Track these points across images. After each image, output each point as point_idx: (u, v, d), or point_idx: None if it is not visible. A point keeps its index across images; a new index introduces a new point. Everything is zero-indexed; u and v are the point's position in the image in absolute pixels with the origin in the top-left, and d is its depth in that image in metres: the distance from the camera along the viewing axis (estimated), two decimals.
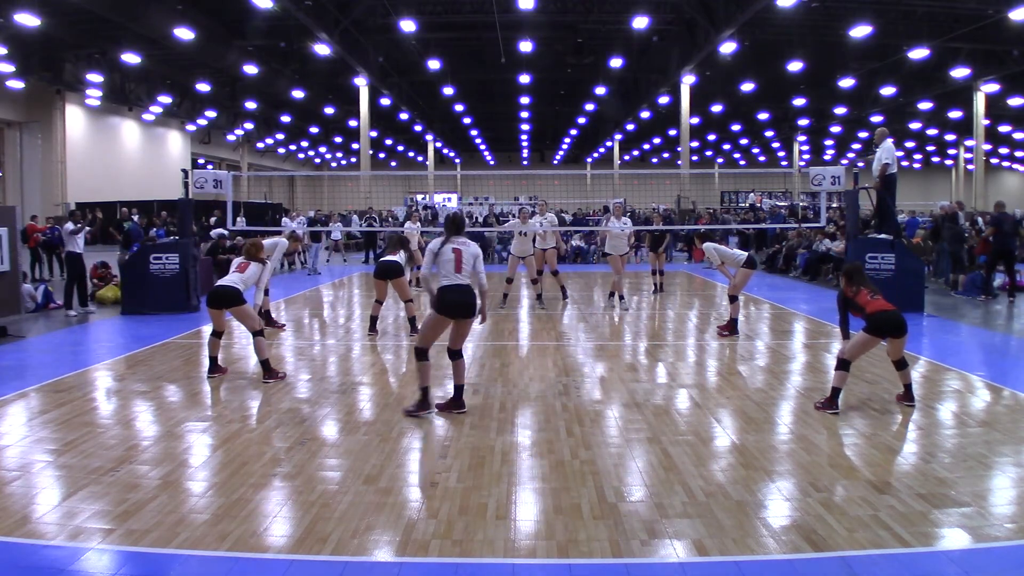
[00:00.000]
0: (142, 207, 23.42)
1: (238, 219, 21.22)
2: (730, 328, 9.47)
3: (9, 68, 23.94)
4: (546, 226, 12.27)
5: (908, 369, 5.96)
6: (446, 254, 5.76)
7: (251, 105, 35.06)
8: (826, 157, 52.16)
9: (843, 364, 5.87)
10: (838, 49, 25.42)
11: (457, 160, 56.10)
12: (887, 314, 5.75)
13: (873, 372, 7.05)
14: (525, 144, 52.92)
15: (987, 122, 31.22)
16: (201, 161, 43.23)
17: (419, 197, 41.06)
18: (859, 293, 5.91)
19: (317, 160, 58.78)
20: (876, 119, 32.07)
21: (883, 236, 11.44)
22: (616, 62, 26.37)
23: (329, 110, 37.06)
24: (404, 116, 37.85)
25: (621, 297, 11.89)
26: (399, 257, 9.63)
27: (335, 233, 22.34)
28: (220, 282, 7.42)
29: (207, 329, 10.42)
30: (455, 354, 5.83)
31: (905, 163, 54.25)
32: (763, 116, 39.41)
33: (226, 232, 15.86)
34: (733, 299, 9.51)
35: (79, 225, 11.95)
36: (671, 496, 4.19)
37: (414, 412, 5.78)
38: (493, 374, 7.24)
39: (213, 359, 7.26)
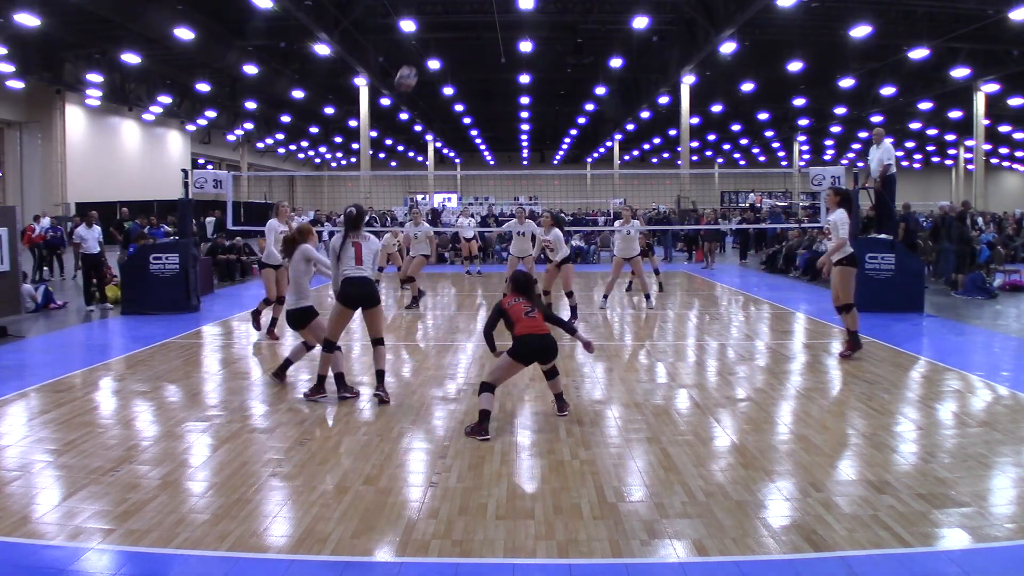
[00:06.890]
0: (141, 207, 23.35)
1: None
2: (852, 345, 7.62)
3: (9, 68, 23.94)
4: (556, 235, 12.02)
5: (559, 378, 5.75)
6: (348, 249, 6.09)
7: (251, 105, 35.07)
8: (826, 157, 52.21)
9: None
10: (838, 49, 25.42)
11: (457, 160, 56.13)
12: (533, 338, 5.41)
13: (873, 372, 7.04)
14: (525, 144, 52.95)
15: (987, 122, 31.23)
16: (201, 161, 43.25)
17: (419, 197, 41.04)
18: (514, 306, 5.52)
19: (317, 160, 58.82)
20: (876, 119, 32.02)
21: (883, 236, 11.44)
22: (616, 62, 26.37)
23: (329, 110, 37.07)
24: (404, 116, 37.87)
25: (647, 296, 12.19)
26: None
27: (326, 234, 22.32)
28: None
29: (207, 329, 10.46)
30: (376, 342, 6.11)
31: (905, 163, 54.28)
32: (763, 116, 39.42)
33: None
34: (847, 309, 7.61)
35: (92, 227, 12.61)
36: (671, 496, 4.18)
37: (310, 396, 6.17)
38: None
39: (340, 376, 6.33)
